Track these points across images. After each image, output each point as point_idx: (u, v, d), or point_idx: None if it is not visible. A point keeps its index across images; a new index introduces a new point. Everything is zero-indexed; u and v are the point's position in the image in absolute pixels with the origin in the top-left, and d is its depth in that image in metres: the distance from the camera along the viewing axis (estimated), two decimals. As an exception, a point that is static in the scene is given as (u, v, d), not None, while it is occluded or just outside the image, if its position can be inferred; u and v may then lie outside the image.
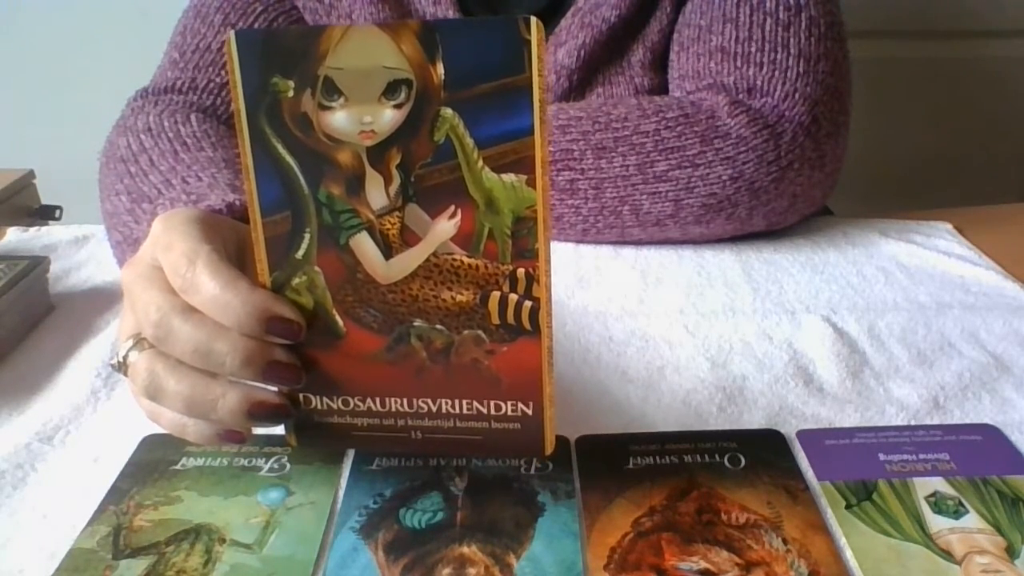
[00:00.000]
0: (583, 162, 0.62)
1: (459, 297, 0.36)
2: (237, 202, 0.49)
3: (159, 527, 0.39)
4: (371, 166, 0.35)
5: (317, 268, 0.36)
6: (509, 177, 0.34)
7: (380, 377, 0.37)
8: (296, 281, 0.36)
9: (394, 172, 0.35)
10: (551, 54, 0.70)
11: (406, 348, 0.37)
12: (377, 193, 0.35)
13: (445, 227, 0.35)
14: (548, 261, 0.35)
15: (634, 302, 0.59)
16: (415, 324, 0.37)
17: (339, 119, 0.34)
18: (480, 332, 0.36)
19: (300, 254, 0.36)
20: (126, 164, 0.59)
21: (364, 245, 0.36)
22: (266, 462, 0.43)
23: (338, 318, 0.37)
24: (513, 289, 0.36)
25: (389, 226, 0.35)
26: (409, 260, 0.36)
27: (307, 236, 0.36)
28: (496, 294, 0.36)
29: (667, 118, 0.62)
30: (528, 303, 0.35)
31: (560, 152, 0.62)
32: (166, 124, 0.62)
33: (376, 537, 0.38)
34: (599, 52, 0.70)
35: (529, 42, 0.32)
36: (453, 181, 0.34)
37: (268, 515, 0.40)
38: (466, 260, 0.36)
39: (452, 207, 0.35)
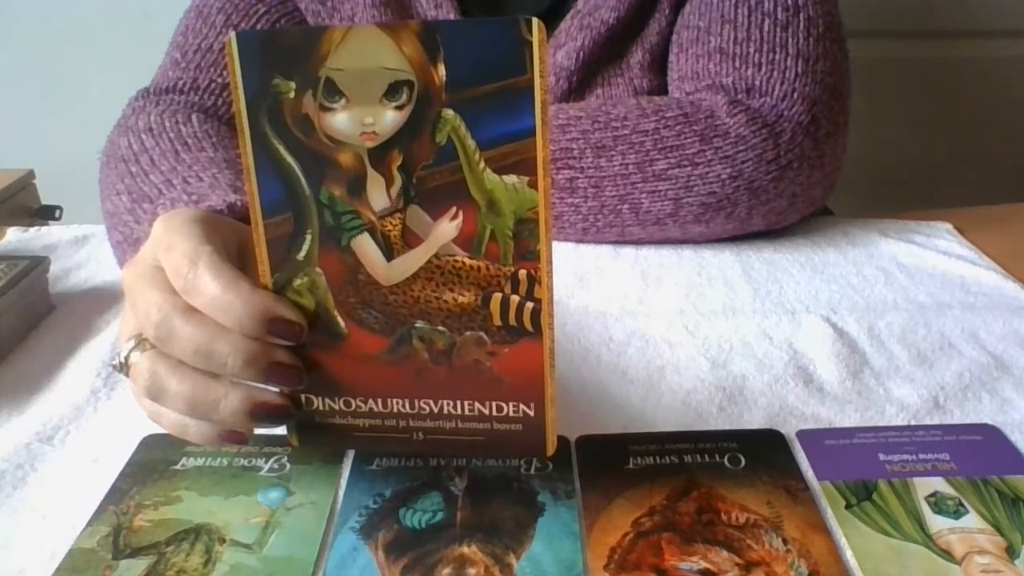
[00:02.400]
0: (583, 161, 0.62)
1: (461, 298, 0.36)
2: (238, 203, 0.49)
3: (159, 527, 0.39)
4: (372, 167, 0.35)
5: (319, 269, 0.36)
6: (511, 178, 0.34)
7: (382, 378, 0.37)
8: (298, 282, 0.36)
9: (396, 173, 0.35)
10: (550, 56, 0.70)
11: (408, 349, 0.37)
12: (379, 194, 0.35)
13: (447, 228, 0.35)
14: (550, 263, 0.35)
15: (634, 302, 0.59)
16: (417, 325, 0.37)
17: (340, 120, 0.34)
18: (482, 333, 0.36)
19: (301, 255, 0.36)
20: (127, 164, 0.59)
21: (365, 246, 0.36)
22: (266, 462, 0.43)
23: (340, 319, 0.37)
24: (515, 290, 0.36)
25: (391, 227, 0.35)
26: (411, 261, 0.36)
27: (308, 237, 0.36)
28: (498, 295, 0.36)
29: (666, 117, 0.62)
30: (530, 304, 0.35)
31: (560, 151, 0.62)
32: (167, 124, 0.62)
33: (376, 537, 0.38)
34: (598, 54, 0.70)
35: (531, 43, 0.32)
36: (455, 182, 0.34)
37: (268, 515, 0.40)
38: (468, 261, 0.36)
39: (454, 208, 0.35)
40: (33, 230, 0.72)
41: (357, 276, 0.36)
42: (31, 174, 1.13)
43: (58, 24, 1.29)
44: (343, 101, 0.34)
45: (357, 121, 0.34)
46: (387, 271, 0.36)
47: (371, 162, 0.35)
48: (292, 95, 0.34)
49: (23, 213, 1.11)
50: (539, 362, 0.36)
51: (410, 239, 0.36)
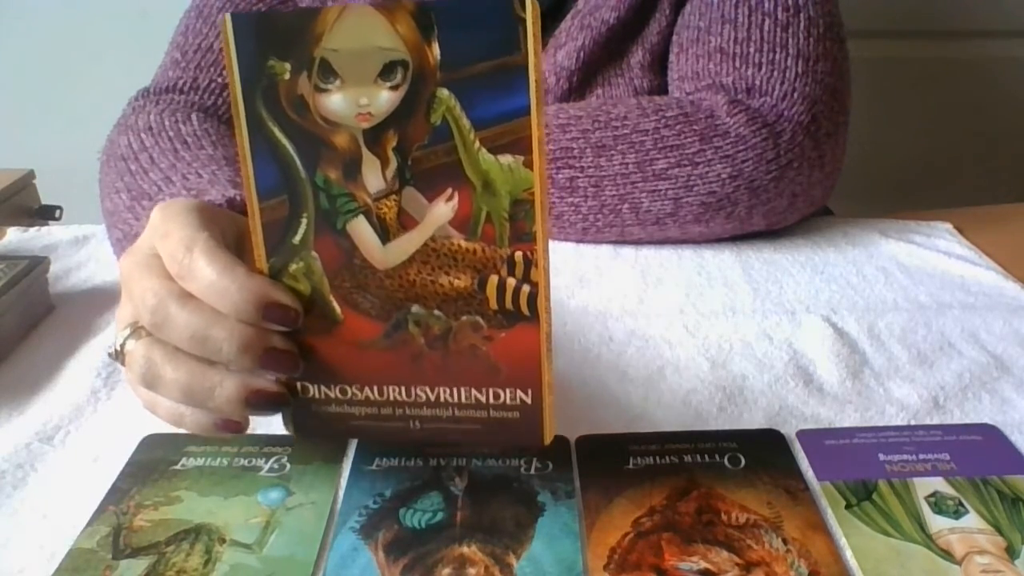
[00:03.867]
0: (583, 160, 0.62)
1: (457, 282, 0.36)
2: (237, 197, 0.49)
3: (159, 527, 0.39)
4: (368, 149, 0.34)
5: (314, 253, 0.36)
6: (506, 158, 0.34)
7: (378, 364, 0.37)
8: (293, 267, 0.36)
9: (391, 155, 0.34)
10: (551, 56, 0.71)
11: (404, 334, 0.37)
12: (374, 176, 0.35)
13: (442, 210, 0.35)
14: (546, 243, 0.35)
15: (634, 302, 0.59)
16: (413, 310, 0.36)
17: (335, 101, 0.34)
18: (478, 318, 0.36)
19: (297, 239, 0.36)
20: (126, 162, 0.59)
21: (361, 229, 0.36)
22: (266, 462, 0.43)
23: (335, 304, 0.37)
24: (511, 273, 0.35)
25: (386, 210, 0.35)
26: (406, 244, 0.36)
27: (304, 221, 0.36)
28: (494, 278, 0.36)
29: (666, 117, 0.62)
30: (526, 287, 0.35)
31: (560, 150, 0.62)
32: (167, 123, 0.62)
33: (376, 537, 0.38)
34: (598, 54, 0.70)
35: (524, 21, 0.32)
36: (450, 163, 0.34)
37: (268, 515, 0.40)
38: (464, 244, 0.35)
39: (449, 190, 0.35)
40: (33, 230, 0.72)
41: (353, 260, 0.36)
42: (31, 174, 1.13)
43: (58, 24, 1.29)
44: (338, 82, 0.33)
45: (352, 102, 0.34)
46: (383, 254, 0.36)
47: (366, 143, 0.34)
48: (287, 76, 0.34)
49: (23, 213, 1.11)
50: (536, 347, 0.36)
51: (406, 221, 0.35)
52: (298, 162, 0.35)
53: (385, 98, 0.34)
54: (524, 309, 0.36)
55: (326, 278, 0.36)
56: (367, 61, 0.33)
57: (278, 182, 0.35)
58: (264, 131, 0.35)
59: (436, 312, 0.36)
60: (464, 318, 0.36)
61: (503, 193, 0.34)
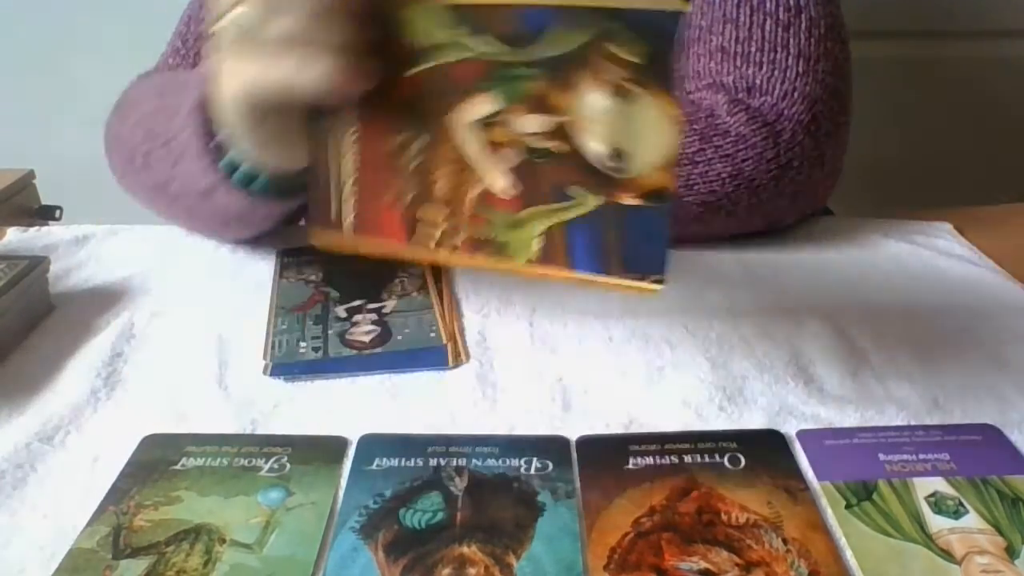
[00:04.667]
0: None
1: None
2: None
3: (159, 527, 0.39)
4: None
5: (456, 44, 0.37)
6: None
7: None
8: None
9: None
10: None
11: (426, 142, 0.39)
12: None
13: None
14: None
15: (634, 302, 0.59)
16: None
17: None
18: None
19: (454, 28, 0.37)
20: (146, 96, 0.60)
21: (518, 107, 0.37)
22: (266, 462, 0.43)
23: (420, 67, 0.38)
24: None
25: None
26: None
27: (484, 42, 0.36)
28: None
29: (667, 117, 0.62)
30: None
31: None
32: (168, 73, 0.63)
33: (376, 537, 0.38)
34: (599, 53, 0.70)
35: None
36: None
37: (268, 515, 0.40)
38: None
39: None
40: (33, 230, 0.72)
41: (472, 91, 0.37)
42: (31, 174, 1.13)
43: (58, 24, 1.29)
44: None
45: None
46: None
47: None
48: None
49: (23, 213, 1.11)
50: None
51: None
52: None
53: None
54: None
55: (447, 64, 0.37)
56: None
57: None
58: None
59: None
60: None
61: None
